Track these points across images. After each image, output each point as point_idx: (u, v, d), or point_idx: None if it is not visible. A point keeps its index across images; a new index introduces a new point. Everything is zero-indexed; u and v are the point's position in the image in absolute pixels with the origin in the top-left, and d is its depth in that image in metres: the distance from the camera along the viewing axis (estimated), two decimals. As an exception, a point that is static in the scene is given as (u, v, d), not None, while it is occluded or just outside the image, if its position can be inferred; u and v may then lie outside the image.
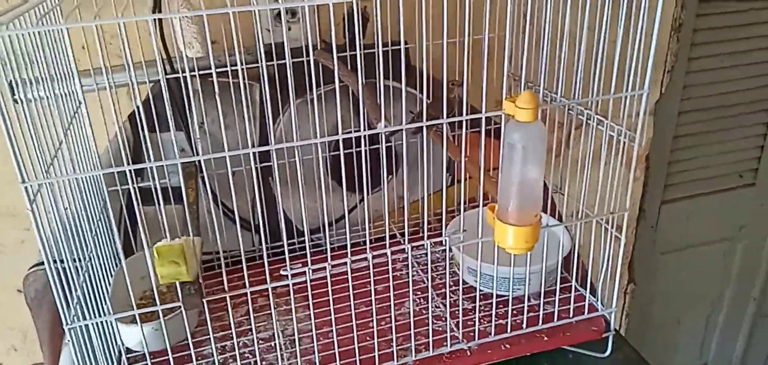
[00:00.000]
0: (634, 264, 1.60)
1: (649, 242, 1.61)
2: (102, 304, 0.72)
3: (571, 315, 0.78)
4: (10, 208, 1.04)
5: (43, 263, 0.89)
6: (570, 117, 0.75)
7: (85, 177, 0.78)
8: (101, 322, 0.72)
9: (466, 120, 0.64)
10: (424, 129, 0.65)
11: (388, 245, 0.65)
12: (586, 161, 0.72)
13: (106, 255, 0.82)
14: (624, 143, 0.67)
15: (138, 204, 0.61)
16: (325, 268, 0.64)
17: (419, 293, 0.87)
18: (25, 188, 0.54)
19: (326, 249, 0.66)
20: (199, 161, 0.91)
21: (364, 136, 0.58)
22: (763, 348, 1.98)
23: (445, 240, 0.67)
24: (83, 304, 0.66)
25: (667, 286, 1.71)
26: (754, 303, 1.86)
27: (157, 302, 0.62)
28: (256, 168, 0.97)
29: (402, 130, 0.62)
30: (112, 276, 0.85)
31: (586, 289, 0.80)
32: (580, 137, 0.76)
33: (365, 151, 0.87)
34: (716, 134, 1.55)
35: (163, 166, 0.93)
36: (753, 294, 1.84)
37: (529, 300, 0.79)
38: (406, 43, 0.96)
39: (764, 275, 1.81)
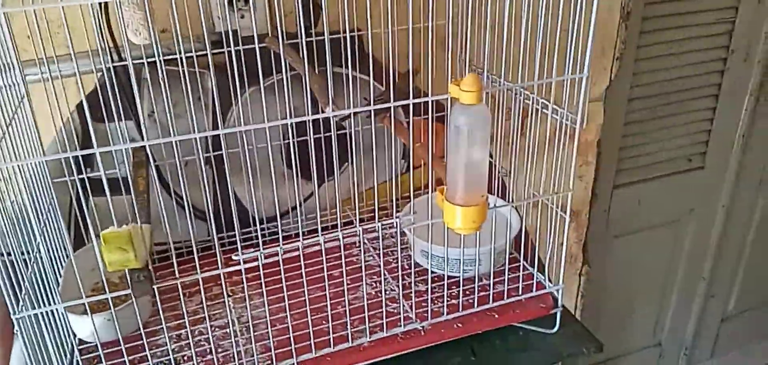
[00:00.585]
0: (587, 248, 1.65)
1: (602, 226, 1.66)
2: (52, 295, 0.71)
3: (520, 293, 0.80)
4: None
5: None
6: (517, 101, 0.77)
7: (33, 169, 0.76)
8: (51, 313, 0.71)
9: (414, 105, 0.65)
10: (374, 115, 0.66)
11: (340, 227, 0.66)
12: (531, 144, 0.74)
13: (56, 248, 0.81)
14: (567, 125, 0.69)
15: (85, 194, 0.60)
16: (277, 252, 0.65)
17: (374, 276, 0.88)
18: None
19: (279, 234, 0.66)
20: (149, 150, 0.90)
21: (310, 120, 0.58)
22: (713, 326, 2.06)
23: (396, 222, 0.68)
24: (32, 295, 0.65)
25: (620, 268, 1.76)
26: (704, 283, 1.93)
27: (106, 290, 0.62)
28: (210, 157, 0.97)
29: (351, 115, 0.63)
30: (62, 268, 0.83)
31: (534, 268, 0.82)
32: (528, 125, 0.78)
33: (316, 138, 0.87)
34: (665, 119, 1.60)
35: (112, 156, 0.92)
36: (703, 274, 1.92)
37: (479, 280, 0.81)
38: (358, 30, 0.96)
39: (713, 255, 1.89)
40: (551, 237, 0.76)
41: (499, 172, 0.87)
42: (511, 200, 0.82)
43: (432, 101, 0.62)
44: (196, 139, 0.56)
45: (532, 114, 0.75)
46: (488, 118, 0.59)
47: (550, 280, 0.82)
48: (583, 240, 1.63)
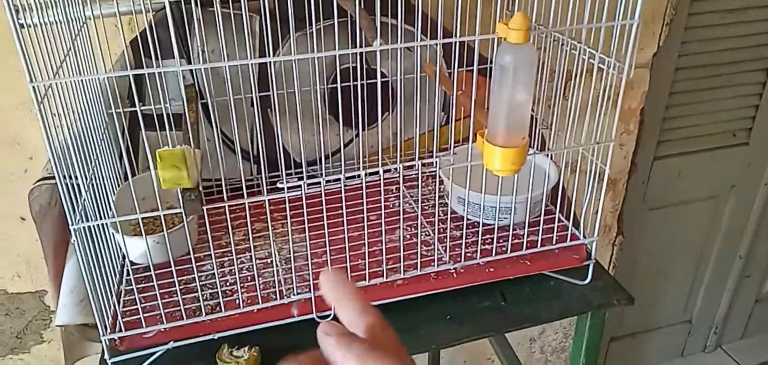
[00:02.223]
0: (623, 218, 1.63)
1: (639, 197, 1.64)
2: (106, 212, 0.75)
3: (554, 243, 0.81)
4: (16, 136, 1.06)
5: (48, 177, 0.92)
6: (563, 52, 0.77)
7: (90, 99, 0.80)
8: (105, 231, 0.75)
9: (458, 57, 0.66)
10: (418, 60, 0.67)
11: (380, 165, 0.68)
12: (573, 105, 0.74)
13: (109, 177, 0.85)
14: (613, 74, 0.69)
15: (140, 120, 0.63)
16: (319, 183, 0.67)
17: (410, 221, 0.90)
18: (33, 87, 0.56)
19: (321, 176, 0.68)
20: (200, 87, 0.94)
21: (357, 52, 0.60)
22: (746, 306, 2.03)
23: (436, 162, 0.70)
24: (88, 209, 0.69)
25: (655, 241, 1.75)
26: (740, 261, 1.90)
27: (160, 206, 0.65)
28: (255, 97, 0.99)
29: (398, 52, 0.64)
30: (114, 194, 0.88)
31: (569, 220, 0.83)
32: (571, 87, 0.78)
33: (360, 83, 0.89)
34: (712, 91, 1.56)
35: (164, 91, 0.95)
36: (739, 253, 1.88)
37: (514, 228, 0.82)
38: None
39: (751, 234, 1.85)
40: (589, 190, 0.76)
41: (539, 126, 0.88)
42: (550, 150, 0.82)
43: (478, 41, 0.63)
44: (247, 72, 0.58)
45: (576, 76, 0.75)
46: (534, 59, 0.60)
47: (583, 235, 0.83)
48: (619, 210, 1.62)
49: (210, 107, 0.97)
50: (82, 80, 0.64)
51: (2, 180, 1.09)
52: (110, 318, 0.74)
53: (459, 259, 0.79)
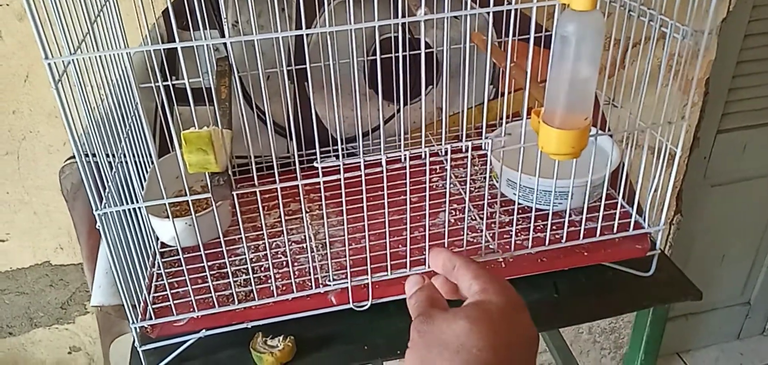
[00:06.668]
0: (682, 195, 1.54)
1: (700, 173, 1.54)
2: (135, 196, 0.72)
3: (614, 232, 0.74)
4: (55, 108, 1.05)
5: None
6: (630, 22, 0.69)
7: (119, 73, 0.76)
8: (135, 214, 0.72)
9: (511, 25, 0.59)
10: (467, 26, 0.60)
11: (423, 144, 0.62)
12: (638, 75, 0.66)
13: (142, 154, 0.82)
14: (689, 45, 0.61)
15: (170, 100, 0.59)
16: (359, 165, 0.61)
17: (455, 205, 0.84)
18: (49, 65, 0.52)
19: (359, 152, 0.63)
20: (233, 59, 0.89)
21: (400, 23, 0.54)
22: (812, 291, 1.91)
23: (485, 143, 0.63)
24: (116, 195, 0.65)
25: (715, 219, 1.64)
26: (807, 243, 1.77)
27: (187, 192, 0.61)
28: (292, 71, 0.94)
29: (445, 22, 0.58)
30: (146, 175, 0.84)
31: (632, 207, 0.75)
32: (637, 56, 0.70)
33: (399, 58, 0.83)
34: (784, 60, 1.43)
35: (196, 65, 0.91)
36: (806, 234, 1.76)
37: (570, 215, 0.75)
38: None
39: (821, 214, 1.72)
40: (656, 173, 0.69)
41: (602, 103, 0.80)
42: (610, 130, 0.74)
43: (535, 7, 0.56)
44: (279, 49, 0.53)
45: (642, 45, 0.67)
46: (602, 29, 0.53)
47: (647, 222, 0.75)
48: (678, 187, 1.52)
49: (242, 81, 0.93)
50: (103, 56, 0.59)
51: (42, 152, 1.08)
52: (141, 305, 0.71)
53: (508, 247, 0.73)
